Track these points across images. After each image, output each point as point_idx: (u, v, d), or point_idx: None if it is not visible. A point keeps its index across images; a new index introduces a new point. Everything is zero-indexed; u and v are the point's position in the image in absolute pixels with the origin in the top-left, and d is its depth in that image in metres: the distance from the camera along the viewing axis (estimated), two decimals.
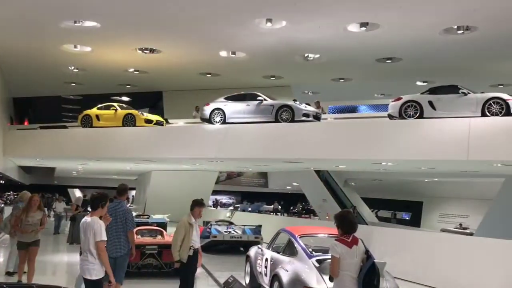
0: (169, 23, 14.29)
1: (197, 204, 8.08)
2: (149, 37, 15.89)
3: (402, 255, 10.85)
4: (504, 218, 18.56)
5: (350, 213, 5.37)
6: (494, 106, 12.19)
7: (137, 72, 20.36)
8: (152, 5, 12.68)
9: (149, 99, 25.77)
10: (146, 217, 19.45)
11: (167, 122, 18.05)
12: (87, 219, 6.22)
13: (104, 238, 6.10)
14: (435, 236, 14.34)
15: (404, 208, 32.05)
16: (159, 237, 12.06)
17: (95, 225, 6.06)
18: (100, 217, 6.31)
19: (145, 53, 17.33)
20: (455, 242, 11.60)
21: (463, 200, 28.68)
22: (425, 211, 30.80)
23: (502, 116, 12.00)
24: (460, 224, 27.25)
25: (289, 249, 8.13)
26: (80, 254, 6.45)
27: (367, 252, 5.26)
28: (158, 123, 17.07)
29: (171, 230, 11.64)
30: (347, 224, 5.20)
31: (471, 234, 20.04)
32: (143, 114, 17.13)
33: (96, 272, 6.04)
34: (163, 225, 17.14)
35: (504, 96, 12.29)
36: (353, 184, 28.13)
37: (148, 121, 16.82)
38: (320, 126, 14.51)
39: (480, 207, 24.34)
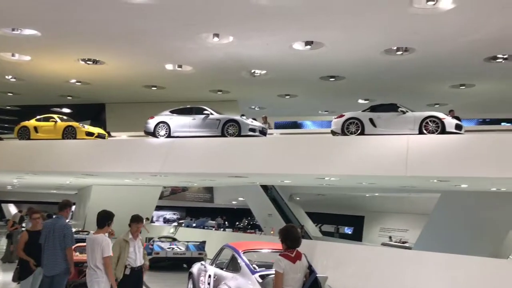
0: (114, 35, 14.01)
1: (133, 220, 7.75)
2: (92, 48, 15.49)
3: (344, 269, 11.03)
4: (440, 232, 19.36)
5: (294, 228, 5.39)
6: (431, 125, 12.76)
7: (79, 83, 19.76)
8: (95, 15, 12.39)
9: (91, 111, 25.04)
10: (86, 233, 18.71)
11: (110, 135, 17.57)
12: (93, 236, 6.76)
13: (111, 254, 6.71)
14: (375, 250, 14.71)
15: (347, 222, 32.77)
16: None
17: (104, 242, 6.62)
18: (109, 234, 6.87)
19: (88, 64, 16.87)
20: (394, 255, 11.93)
21: (402, 215, 29.69)
22: (367, 225, 31.63)
23: (438, 134, 12.58)
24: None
25: (233, 265, 8.05)
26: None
27: (310, 267, 5.29)
28: (99, 136, 16.57)
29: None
30: (291, 239, 5.21)
31: (409, 248, 20.72)
32: (84, 127, 16.58)
33: (104, 285, 6.56)
34: None
35: (440, 115, 12.91)
36: (298, 198, 28.47)
37: (89, 134, 16.29)
38: (266, 141, 14.61)
39: (419, 221, 25.28)
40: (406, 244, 24.75)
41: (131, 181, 21.98)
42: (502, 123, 22.39)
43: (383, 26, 12.79)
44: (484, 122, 23.78)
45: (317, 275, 5.22)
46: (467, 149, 11.68)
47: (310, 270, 5.23)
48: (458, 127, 12.76)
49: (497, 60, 15.31)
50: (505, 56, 15.07)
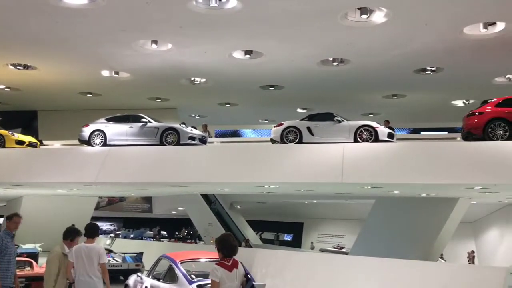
0: (46, 39, 13.47)
1: (76, 234, 7.42)
2: (23, 52, 14.81)
3: (283, 276, 11.14)
4: (374, 236, 20.02)
5: (231, 236, 5.37)
6: (365, 133, 13.23)
7: (9, 89, 18.80)
8: (26, 19, 11.88)
9: (22, 118, 23.81)
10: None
11: (42, 144, 16.78)
12: (87, 245, 7.00)
13: (107, 260, 7.11)
14: (313, 256, 14.97)
15: (287, 229, 33.14)
16: (28, 268, 11.11)
17: (101, 250, 7.05)
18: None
19: (18, 69, 16.10)
20: (332, 261, 12.20)
21: (339, 221, 30.44)
22: (306, 231, 32.15)
23: (371, 142, 13.05)
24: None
25: (170, 276, 7.91)
26: None
27: (246, 275, 5.29)
28: (31, 144, 15.78)
29: (43, 260, 10.70)
30: (227, 247, 5.19)
31: (346, 253, 21.26)
32: (13, 135, 15.72)
33: None
34: (34, 255, 15.70)
35: (373, 124, 13.41)
36: (238, 207, 28.46)
37: (20, 142, 15.47)
38: (206, 150, 14.53)
39: (355, 227, 26.02)
40: (343, 250, 25.39)
41: (65, 192, 21.10)
42: (422, 132, 23.58)
43: (319, 37, 13.17)
44: (415, 131, 24.94)
45: (254, 282, 5.23)
46: (398, 156, 12.19)
47: (247, 278, 5.24)
48: (390, 135, 13.31)
49: (426, 72, 16.18)
50: (433, 69, 15.95)
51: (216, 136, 24.95)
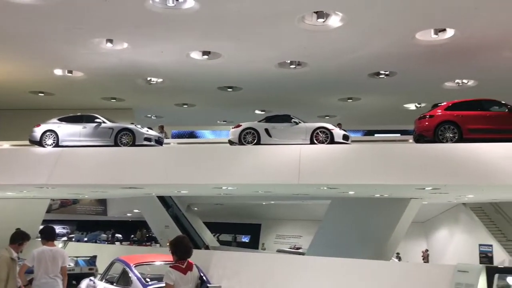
0: None
1: (25, 238, 7.23)
2: None
3: (240, 277, 11.14)
4: (330, 237, 20.33)
5: (185, 239, 5.33)
6: (321, 135, 13.43)
7: None
8: None
9: None
10: None
11: None
12: (51, 248, 7.13)
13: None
14: (270, 257, 15.05)
15: (244, 231, 33.16)
16: None
17: (65, 252, 7.26)
18: None
19: None
20: (289, 262, 12.30)
21: (297, 221, 30.73)
22: (263, 233, 32.28)
23: (327, 144, 13.27)
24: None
25: (124, 279, 7.75)
26: None
27: (201, 277, 5.26)
28: None
29: None
30: (181, 249, 5.14)
31: (303, 254, 21.48)
32: None
33: None
34: None
35: (329, 126, 13.64)
36: (196, 209, 28.24)
37: None
38: (163, 151, 14.33)
39: (312, 227, 26.33)
40: (300, 250, 25.64)
41: (14, 194, 20.28)
42: (375, 134, 24.17)
43: (276, 40, 13.27)
44: (369, 133, 25.52)
45: (209, 285, 5.20)
46: (353, 158, 12.45)
47: (202, 280, 5.20)
48: (345, 137, 13.57)
49: (380, 76, 16.60)
50: (386, 73, 16.38)
51: (173, 137, 24.69)
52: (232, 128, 14.33)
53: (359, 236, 18.90)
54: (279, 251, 25.52)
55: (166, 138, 18.03)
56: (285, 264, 11.78)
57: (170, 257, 6.27)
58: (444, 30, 12.83)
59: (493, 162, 11.51)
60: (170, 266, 5.11)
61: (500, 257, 20.26)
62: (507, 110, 12.72)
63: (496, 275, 6.96)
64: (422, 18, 11.82)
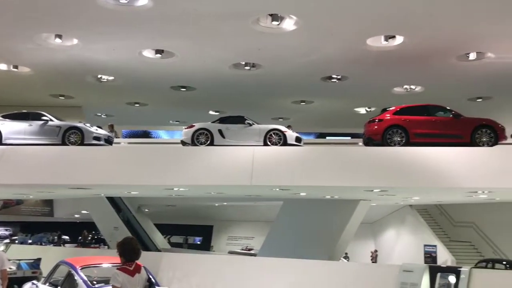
0: None
1: None
2: None
3: (190, 279, 11.03)
4: (282, 238, 20.51)
5: (133, 240, 5.21)
6: (274, 137, 13.54)
7: None
8: None
9: None
10: None
11: None
12: None
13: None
14: (221, 258, 14.99)
15: (196, 232, 32.91)
16: None
17: (4, 255, 7.28)
18: None
19: None
20: (240, 263, 12.30)
21: (249, 223, 30.82)
22: (215, 234, 32.16)
23: (280, 145, 13.39)
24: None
25: (69, 283, 7.50)
26: None
27: (150, 279, 5.16)
28: None
29: None
30: (129, 251, 5.03)
31: (255, 255, 21.55)
32: None
33: None
34: None
35: (282, 128, 13.78)
36: (146, 210, 27.75)
37: None
38: (112, 151, 13.98)
39: (264, 228, 26.47)
40: (252, 251, 25.71)
41: None
42: (327, 137, 24.67)
43: (231, 41, 13.25)
44: (321, 135, 25.96)
45: (157, 287, 5.10)
46: (305, 160, 12.61)
47: (150, 282, 5.11)
48: (298, 139, 13.73)
49: (332, 80, 16.91)
50: (338, 77, 16.71)
51: (124, 137, 24.16)
52: (185, 128, 14.20)
53: (310, 237, 19.17)
54: (231, 252, 25.48)
55: (117, 137, 17.62)
56: (236, 265, 11.76)
57: (118, 259, 6.12)
58: (394, 37, 13.24)
59: (438, 165, 11.97)
60: (117, 268, 4.99)
61: (443, 257, 21.14)
62: (451, 115, 13.29)
63: (439, 274, 7.24)
64: (372, 25, 12.15)
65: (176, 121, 24.98)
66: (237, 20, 11.80)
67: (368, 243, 27.76)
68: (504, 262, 18.82)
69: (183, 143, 13.99)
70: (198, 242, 32.39)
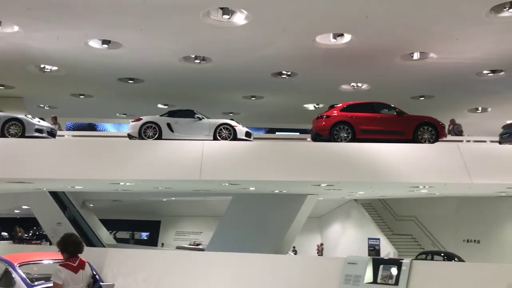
0: None
1: None
2: None
3: (135, 275, 10.82)
4: (231, 232, 20.56)
5: (74, 235, 5.04)
6: (224, 132, 13.50)
7: None
8: None
9: None
10: None
11: None
12: None
13: None
14: (168, 254, 14.82)
15: (143, 228, 32.40)
16: None
17: None
18: None
19: None
20: (187, 258, 12.19)
21: (197, 218, 30.68)
22: (163, 229, 31.78)
23: (230, 140, 13.37)
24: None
25: (6, 280, 7.16)
26: None
27: (94, 275, 5.01)
28: None
29: None
30: (70, 246, 4.86)
31: (203, 250, 21.48)
32: None
33: None
34: None
35: (233, 123, 13.75)
36: (91, 205, 27.00)
37: None
38: (56, 144, 13.46)
39: (213, 223, 26.43)
40: (200, 246, 25.62)
41: None
42: (277, 132, 24.96)
43: (181, 33, 13.06)
44: (271, 131, 26.16)
45: (102, 283, 4.97)
46: (255, 155, 12.68)
47: (95, 279, 4.96)
48: (248, 134, 13.76)
49: (282, 76, 17.05)
50: (288, 73, 16.87)
51: (68, 129, 23.35)
52: (132, 121, 13.90)
53: (259, 231, 19.33)
54: (179, 247, 25.28)
55: (60, 130, 17.01)
56: (183, 260, 11.64)
57: (61, 256, 5.92)
58: (342, 35, 13.51)
59: (382, 161, 12.37)
60: (59, 265, 4.81)
61: (386, 250, 21.91)
62: (395, 113, 13.76)
63: (381, 266, 7.47)
64: (321, 22, 12.33)
65: (123, 114, 24.39)
66: (187, 12, 11.64)
67: (315, 236, 28.33)
68: (442, 254, 19.78)
69: (130, 136, 13.68)
70: (145, 238, 31.90)
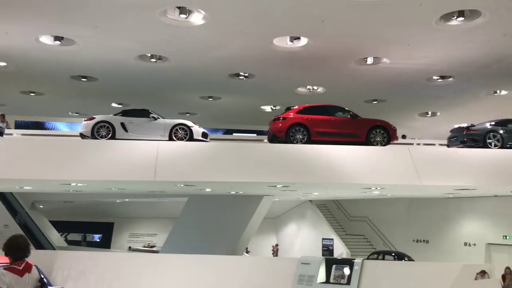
0: None
1: None
2: None
3: (86, 278, 10.53)
4: (186, 234, 20.37)
5: (20, 238, 4.84)
6: (180, 132, 13.37)
7: None
8: None
9: None
10: None
11: None
12: None
13: None
14: (121, 256, 14.52)
15: (95, 229, 31.59)
16: None
17: None
18: None
19: None
20: (141, 260, 11.98)
21: (152, 219, 30.21)
22: (116, 231, 31.10)
23: (186, 141, 13.26)
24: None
25: None
26: None
27: (42, 279, 4.84)
28: None
29: None
30: (16, 249, 4.68)
31: (157, 252, 21.20)
32: None
33: None
34: None
35: (189, 123, 13.64)
36: (41, 206, 26.08)
37: None
38: (3, 142, 12.92)
39: (168, 225, 26.10)
40: (154, 248, 25.26)
41: None
42: (234, 133, 25.01)
43: (137, 31, 12.84)
44: (228, 132, 26.13)
45: (50, 287, 4.81)
46: (211, 156, 12.61)
47: (42, 282, 4.79)
48: (205, 135, 13.70)
49: (240, 77, 17.08)
50: (246, 74, 16.91)
51: (17, 128, 22.44)
52: (85, 120, 13.56)
53: (214, 232, 19.26)
54: (132, 250, 24.83)
55: (8, 128, 16.35)
56: (136, 262, 11.45)
57: (3, 258, 5.68)
58: (298, 38, 13.68)
59: (336, 162, 12.61)
60: (4, 268, 4.61)
61: (339, 250, 22.34)
62: (349, 116, 14.06)
63: (334, 266, 7.62)
64: (278, 25, 12.44)
65: (76, 113, 23.71)
66: (144, 10, 11.46)
67: (270, 237, 28.52)
68: (393, 254, 20.36)
69: (83, 136, 13.34)
70: (98, 240, 31.10)
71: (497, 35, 12.62)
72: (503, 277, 16.88)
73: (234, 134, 25.05)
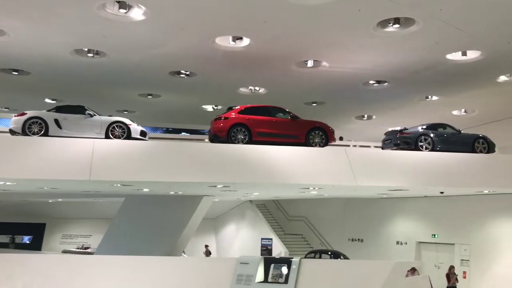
0: None
1: None
2: None
3: (15, 281, 10.01)
4: (122, 235, 19.85)
5: None
6: (117, 130, 13.00)
7: None
8: None
9: None
10: None
11: None
12: None
13: None
14: (52, 258, 13.92)
15: (25, 231, 30.08)
16: None
17: None
18: None
19: None
20: (73, 262, 11.54)
21: (87, 220, 29.20)
22: (48, 232, 29.80)
23: (124, 139, 12.90)
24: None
25: None
26: None
27: None
28: None
29: None
30: None
31: (91, 253, 20.50)
32: None
33: None
34: None
35: (127, 121, 13.29)
36: None
37: None
38: None
39: (104, 226, 25.31)
40: (89, 250, 24.42)
41: None
42: (182, 133, 24.70)
43: (73, 25, 12.33)
44: (167, 131, 25.70)
45: None
46: (150, 155, 12.36)
47: None
48: (143, 133, 13.39)
49: (181, 76, 16.84)
50: (187, 73, 16.70)
51: None
52: (15, 116, 12.87)
53: (152, 233, 18.91)
54: (65, 251, 23.88)
55: None
56: (69, 264, 11.03)
57: None
58: (241, 38, 13.68)
59: (276, 163, 12.75)
60: None
61: (278, 249, 22.63)
62: (290, 117, 14.27)
63: (272, 265, 7.68)
64: (220, 24, 12.37)
65: (6, 108, 22.44)
66: (80, 3, 11.00)
67: (209, 238, 28.39)
68: (329, 253, 20.90)
69: (12, 132, 12.65)
70: (28, 242, 29.62)
71: (430, 43, 13.23)
72: (448, 276, 17.47)
73: (182, 133, 24.66)
